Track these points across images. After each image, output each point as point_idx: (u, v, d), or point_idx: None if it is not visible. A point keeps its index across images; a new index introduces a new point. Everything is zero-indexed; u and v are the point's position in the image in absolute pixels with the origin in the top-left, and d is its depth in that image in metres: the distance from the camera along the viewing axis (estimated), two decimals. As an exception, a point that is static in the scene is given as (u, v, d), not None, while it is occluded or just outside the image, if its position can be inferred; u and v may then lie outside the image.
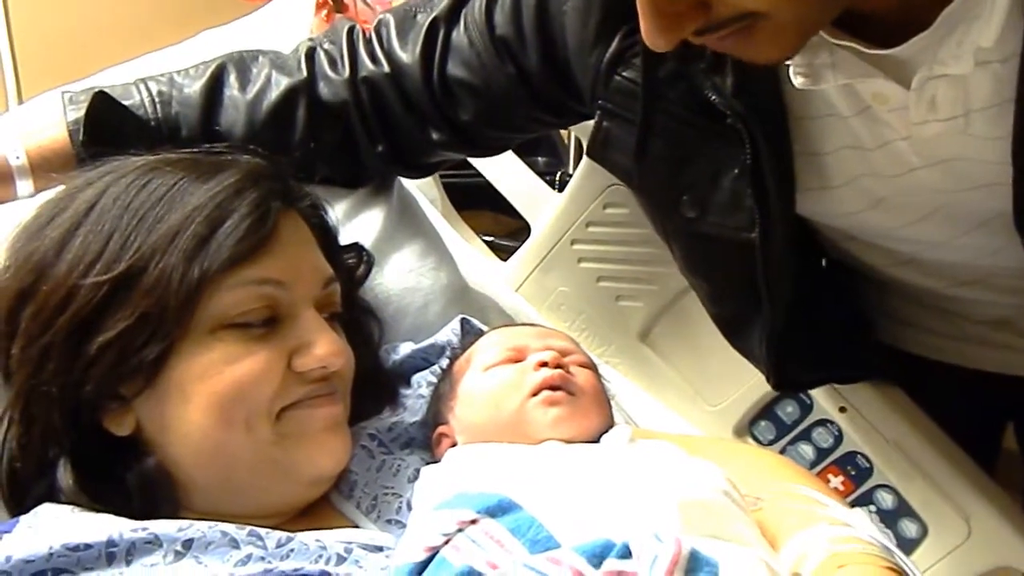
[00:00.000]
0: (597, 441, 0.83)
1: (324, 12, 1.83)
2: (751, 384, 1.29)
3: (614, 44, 0.92)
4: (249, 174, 0.82)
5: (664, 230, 1.04)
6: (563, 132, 2.07)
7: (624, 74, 0.92)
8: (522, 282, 1.45)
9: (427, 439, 0.90)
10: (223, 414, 0.77)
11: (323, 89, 1.05)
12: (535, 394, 0.84)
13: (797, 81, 0.81)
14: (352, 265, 0.97)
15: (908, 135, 0.83)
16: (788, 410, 1.29)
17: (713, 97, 0.86)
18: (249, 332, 0.78)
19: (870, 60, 0.78)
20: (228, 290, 0.77)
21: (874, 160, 0.87)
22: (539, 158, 2.01)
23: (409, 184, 1.22)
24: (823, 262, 1.09)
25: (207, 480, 0.79)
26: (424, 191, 1.35)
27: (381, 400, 0.93)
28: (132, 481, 0.77)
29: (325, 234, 0.91)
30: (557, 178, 1.74)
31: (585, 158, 1.42)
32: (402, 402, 0.93)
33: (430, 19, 1.02)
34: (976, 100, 0.79)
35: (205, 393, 0.76)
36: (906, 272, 1.04)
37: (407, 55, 1.03)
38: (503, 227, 1.79)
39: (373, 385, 0.92)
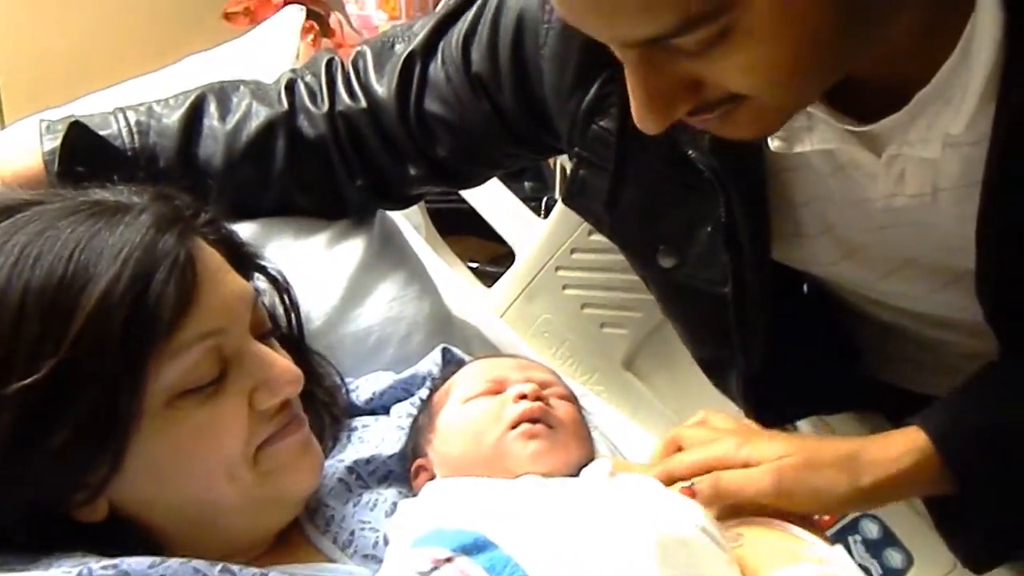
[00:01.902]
0: (577, 475, 0.82)
1: (311, 37, 1.84)
2: (737, 413, 1.28)
3: (591, 92, 0.90)
4: (151, 220, 0.73)
5: (643, 275, 1.04)
6: (549, 157, 2.07)
7: (601, 123, 0.91)
8: (506, 309, 1.45)
9: (406, 472, 0.89)
10: (204, 480, 0.74)
11: (303, 122, 1.04)
12: (514, 427, 0.83)
13: (773, 144, 0.81)
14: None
15: (879, 199, 0.83)
16: (780, 434, 1.28)
17: (690, 152, 0.86)
18: (205, 391, 0.74)
19: (845, 130, 0.78)
20: (172, 358, 0.71)
21: (846, 215, 0.88)
22: (525, 183, 2.01)
23: (393, 211, 1.22)
24: (804, 289, 1.09)
25: (191, 531, 0.77)
26: (408, 217, 1.34)
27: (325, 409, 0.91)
28: (109, 547, 0.72)
29: (231, 248, 0.84)
30: (543, 203, 1.74)
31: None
32: (382, 435, 0.92)
33: (407, 52, 1.01)
34: (944, 180, 0.79)
35: (181, 467, 0.73)
36: (880, 310, 1.04)
37: (383, 89, 1.02)
38: (488, 253, 1.78)
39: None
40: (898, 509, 1.17)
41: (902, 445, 0.80)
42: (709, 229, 0.90)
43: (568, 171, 1.42)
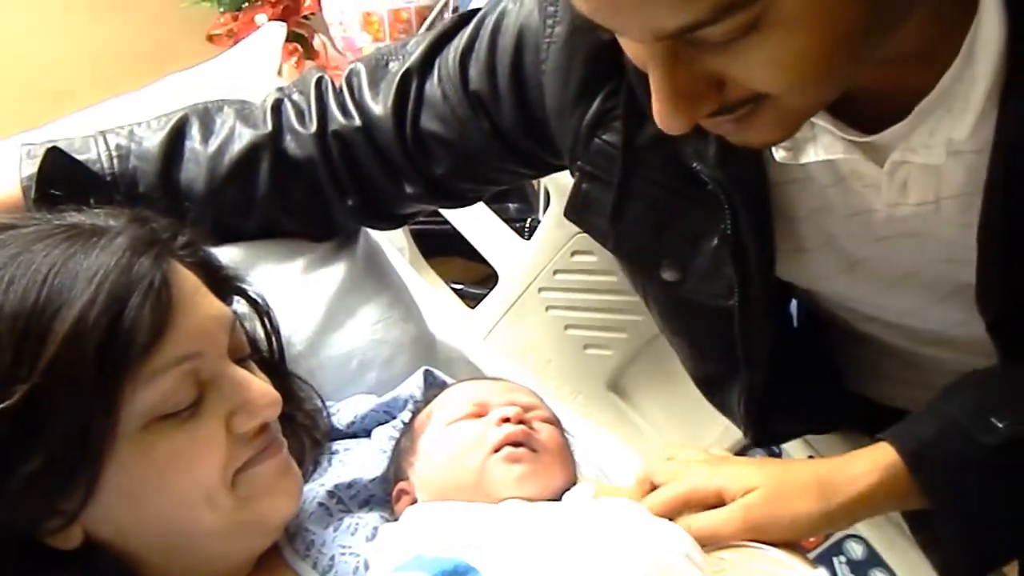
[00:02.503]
0: (560, 499, 0.82)
1: (294, 59, 1.84)
2: (720, 433, 1.28)
3: (594, 106, 0.90)
4: (126, 243, 0.73)
5: (643, 291, 1.04)
6: (534, 178, 2.07)
7: (604, 137, 0.90)
8: (490, 330, 1.45)
9: (387, 496, 0.88)
10: (181, 506, 0.73)
11: (289, 143, 1.03)
12: (497, 450, 0.83)
13: (779, 155, 0.81)
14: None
15: (881, 209, 0.83)
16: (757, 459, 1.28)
17: (695, 165, 0.85)
18: (182, 415, 0.73)
19: (848, 141, 0.78)
20: (148, 383, 0.70)
21: (847, 226, 0.87)
22: (510, 204, 2.01)
23: (376, 232, 1.21)
24: (792, 305, 1.09)
25: (167, 557, 0.76)
26: (392, 239, 1.34)
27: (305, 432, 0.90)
28: (84, 574, 0.72)
29: (209, 270, 0.83)
30: (527, 224, 1.74)
31: (553, 205, 1.43)
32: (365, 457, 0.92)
33: (403, 70, 1.01)
34: (948, 188, 0.79)
35: (158, 493, 0.72)
36: (874, 328, 1.04)
37: (379, 107, 1.01)
38: (472, 274, 1.78)
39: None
40: (883, 530, 1.17)
41: (870, 462, 0.80)
42: (714, 242, 0.89)
43: (551, 194, 1.43)
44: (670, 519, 0.79)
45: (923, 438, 0.80)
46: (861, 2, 0.62)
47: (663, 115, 0.67)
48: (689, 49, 0.64)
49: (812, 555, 1.24)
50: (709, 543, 0.77)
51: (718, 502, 0.80)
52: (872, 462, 0.80)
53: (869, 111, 0.76)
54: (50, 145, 0.98)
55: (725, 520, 0.79)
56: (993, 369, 0.87)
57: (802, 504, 0.79)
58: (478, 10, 1.00)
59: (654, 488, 0.83)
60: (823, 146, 0.79)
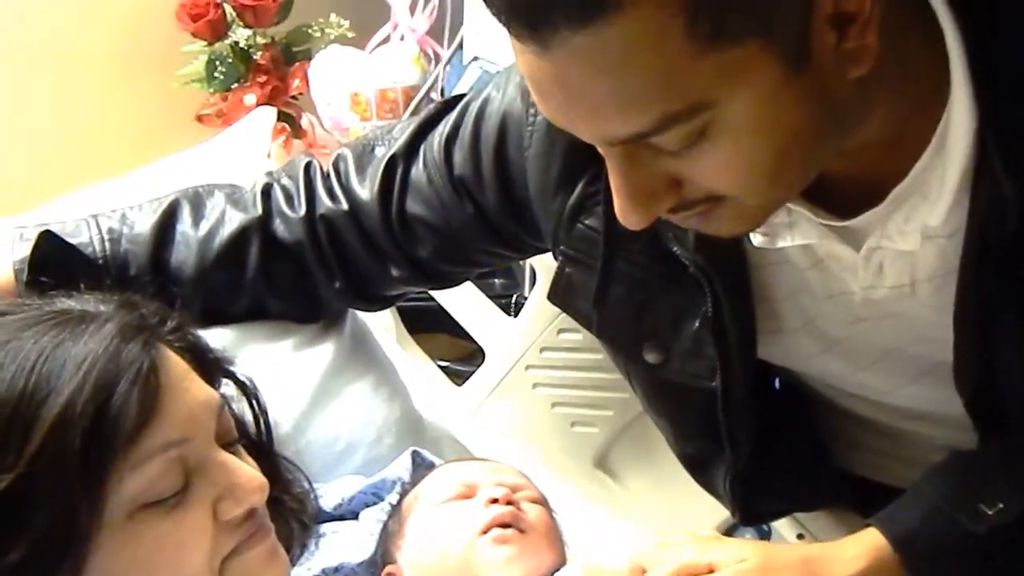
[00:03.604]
0: (549, 581, 0.82)
1: (282, 138, 1.86)
2: (708, 510, 1.28)
3: (576, 192, 0.91)
4: (115, 329, 0.73)
5: (627, 373, 1.04)
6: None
7: (586, 222, 0.91)
8: (478, 408, 1.45)
9: (375, 580, 0.88)
10: None
11: (278, 226, 1.04)
12: (485, 532, 0.83)
13: (756, 240, 0.83)
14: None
15: (857, 292, 0.85)
16: (746, 537, 1.27)
17: (675, 248, 0.87)
18: (168, 502, 0.72)
19: (824, 226, 0.80)
20: (134, 470, 0.69)
21: (826, 308, 0.89)
22: (495, 280, 2.02)
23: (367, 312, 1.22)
24: (776, 385, 1.10)
25: None
26: (379, 316, 1.35)
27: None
28: None
29: (198, 354, 0.83)
30: (513, 301, 1.75)
31: (539, 283, 1.44)
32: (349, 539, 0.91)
33: (389, 155, 1.02)
34: (922, 271, 0.81)
35: None
36: (855, 404, 1.05)
37: (365, 192, 1.02)
38: (459, 351, 1.78)
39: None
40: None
41: (859, 546, 0.81)
42: (696, 324, 0.90)
43: (536, 271, 1.45)
44: None
45: (910, 524, 0.81)
46: (807, 109, 0.64)
47: (622, 212, 0.70)
48: (645, 151, 0.67)
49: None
50: None
51: None
52: (861, 546, 0.81)
53: (843, 196, 0.77)
54: (43, 228, 0.99)
55: None
56: (975, 452, 0.88)
57: None
58: (463, 96, 1.03)
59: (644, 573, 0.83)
60: (799, 231, 0.80)
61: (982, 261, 0.75)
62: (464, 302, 1.56)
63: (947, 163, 0.73)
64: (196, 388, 0.77)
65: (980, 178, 0.72)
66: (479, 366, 1.50)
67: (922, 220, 0.75)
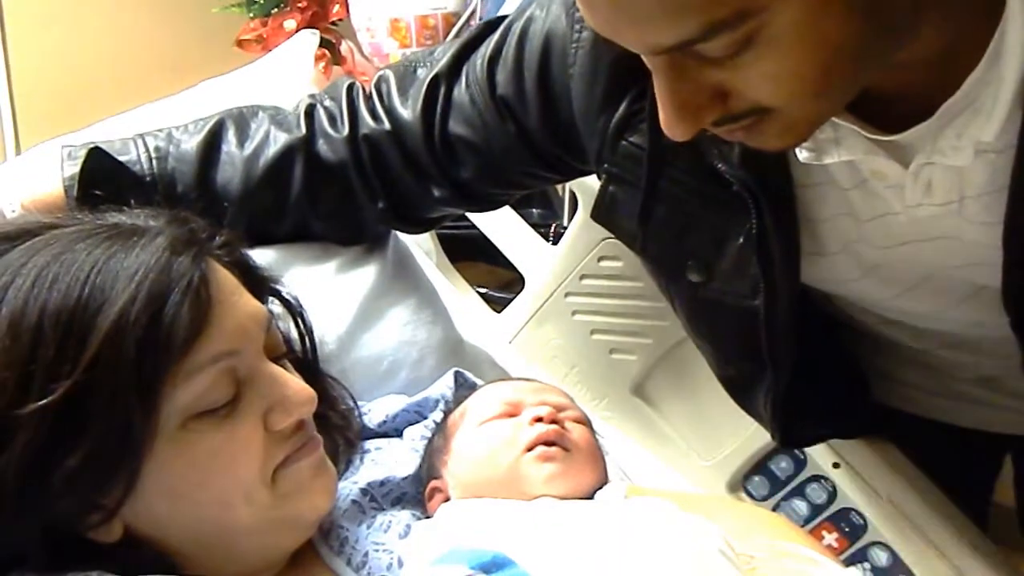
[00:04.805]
0: (591, 498, 0.83)
1: (322, 64, 1.86)
2: (745, 438, 1.28)
3: (621, 109, 0.91)
4: (166, 242, 0.74)
5: (669, 293, 1.04)
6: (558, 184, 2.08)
7: (631, 139, 0.92)
8: (516, 334, 1.46)
9: (419, 494, 0.89)
10: (221, 502, 0.74)
11: (322, 147, 1.05)
12: (530, 449, 0.84)
13: (802, 156, 0.82)
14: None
15: (902, 211, 0.84)
16: (782, 465, 1.28)
17: (719, 165, 0.86)
18: (219, 413, 0.73)
19: (872, 141, 0.79)
20: (186, 380, 0.71)
21: (867, 230, 0.88)
22: (533, 210, 2.02)
23: (404, 236, 1.23)
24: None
25: (205, 552, 0.77)
26: (419, 243, 1.35)
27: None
28: (124, 567, 0.73)
29: (246, 270, 0.84)
30: (552, 230, 1.75)
31: (580, 210, 1.44)
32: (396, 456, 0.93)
33: (431, 75, 1.02)
34: (971, 187, 0.80)
35: (197, 489, 0.73)
36: (893, 331, 1.04)
37: (408, 112, 1.03)
38: (497, 279, 1.79)
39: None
40: (910, 538, 1.17)
41: None
42: (739, 242, 0.90)
43: (578, 196, 1.44)
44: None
45: None
46: (854, 21, 0.63)
47: (667, 123, 0.69)
48: (691, 62, 0.66)
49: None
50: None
51: None
52: None
53: (892, 111, 0.76)
54: (91, 146, 1.00)
55: None
56: None
57: None
58: (505, 17, 1.02)
59: None
60: (846, 147, 0.80)
61: None
62: (505, 229, 1.56)
63: (1001, 78, 0.71)
64: (245, 301, 0.78)
65: None
66: (518, 294, 1.51)
67: (975, 135, 0.74)
